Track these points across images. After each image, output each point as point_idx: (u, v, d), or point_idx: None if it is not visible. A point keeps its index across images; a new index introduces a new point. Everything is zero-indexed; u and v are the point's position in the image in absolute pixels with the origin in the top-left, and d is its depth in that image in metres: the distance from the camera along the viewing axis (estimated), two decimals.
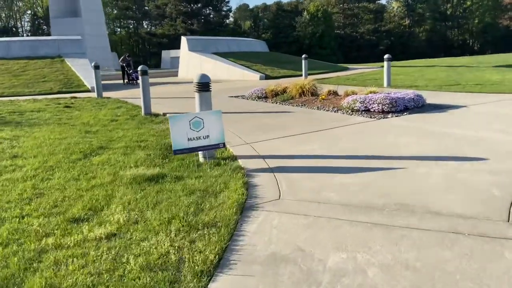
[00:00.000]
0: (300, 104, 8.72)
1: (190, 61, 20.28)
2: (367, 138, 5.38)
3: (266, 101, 9.67)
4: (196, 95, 4.62)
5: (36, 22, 62.37)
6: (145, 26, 69.52)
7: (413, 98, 7.58)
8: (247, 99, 10.28)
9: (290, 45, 62.39)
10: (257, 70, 18.38)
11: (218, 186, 3.64)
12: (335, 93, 9.18)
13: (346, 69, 24.50)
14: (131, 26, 69.13)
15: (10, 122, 7.44)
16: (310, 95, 9.44)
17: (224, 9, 68.29)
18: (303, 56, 15.48)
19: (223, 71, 18.63)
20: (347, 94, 8.57)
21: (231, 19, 71.29)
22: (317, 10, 61.94)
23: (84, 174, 4.17)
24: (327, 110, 7.83)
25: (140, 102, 8.22)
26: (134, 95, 11.82)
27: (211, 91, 4.69)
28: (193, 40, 20.86)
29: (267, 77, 17.51)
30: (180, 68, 21.14)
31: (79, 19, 27.17)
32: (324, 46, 61.11)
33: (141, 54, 63.78)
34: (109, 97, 11.27)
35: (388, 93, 7.81)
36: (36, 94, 12.47)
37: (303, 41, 61.81)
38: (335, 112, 7.62)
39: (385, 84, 12.18)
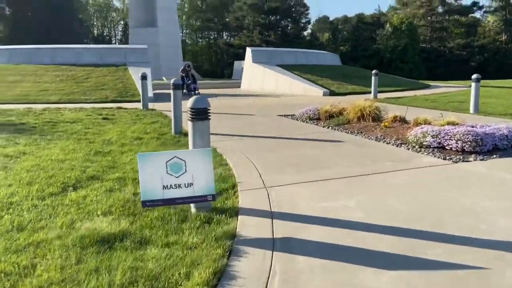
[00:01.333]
0: (355, 131, 7.21)
1: (253, 73, 19.45)
2: (432, 195, 3.81)
3: (317, 124, 8.28)
4: (189, 125, 3.48)
5: (127, 32, 66.94)
6: (224, 37, 71.16)
7: (506, 135, 5.71)
8: (297, 119, 8.96)
9: (369, 59, 59.48)
10: (322, 85, 16.93)
11: (179, 270, 2.43)
12: (402, 120, 7.51)
13: (428, 86, 21.96)
14: (211, 37, 71.21)
15: (35, 134, 6.98)
16: (371, 120, 7.87)
17: (303, 21, 67.49)
18: (373, 71, 13.75)
19: (285, 85, 17.48)
20: (417, 123, 6.88)
21: (309, 31, 70.16)
22: (401, 23, 58.34)
23: (34, 222, 3.23)
24: (387, 143, 6.24)
25: (173, 119, 7.34)
26: (185, 109, 11.12)
27: (209, 119, 3.51)
28: (257, 51, 20.02)
29: (332, 93, 15.98)
30: (243, 80, 20.41)
31: (155, 29, 27.92)
32: (407, 61, 57.26)
33: (218, 64, 65.24)
34: (154, 109, 10.67)
35: (473, 127, 6.02)
36: (91, 102, 12.38)
37: (384, 55, 58.54)
38: (397, 146, 6.02)
39: (471, 109, 10.09)
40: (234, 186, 4.15)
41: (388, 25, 59.52)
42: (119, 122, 8.61)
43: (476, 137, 5.50)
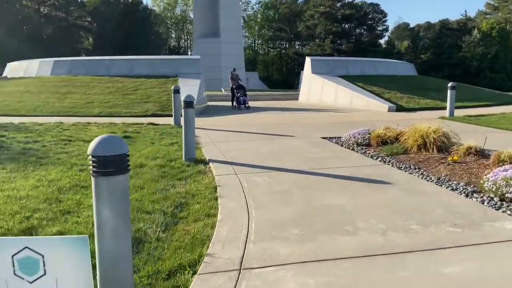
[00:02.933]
0: (412, 166, 5.46)
1: (312, 84, 17.88)
2: None
3: (364, 152, 6.60)
4: (92, 182, 2.19)
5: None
6: (296, 47, 70.04)
7: None
8: (342, 145, 7.34)
9: (453, 68, 54.50)
10: (388, 99, 14.87)
11: None
12: (479, 153, 5.59)
13: None
14: (282, 47, 70.58)
15: (33, 156, 6.26)
16: (435, 150, 6.03)
17: (380, 28, 64.14)
18: (450, 84, 11.51)
19: (345, 97, 15.68)
20: (499, 160, 4.96)
21: (386, 38, 66.35)
22: (492, 28, 52.62)
23: None
24: (452, 189, 4.45)
25: (184, 142, 6.19)
26: (219, 126, 10.04)
27: (126, 173, 2.20)
28: (317, 61, 18.41)
29: (400, 109, 13.89)
30: (301, 92, 18.92)
31: (218, 39, 27.61)
32: (497, 70, 51.39)
33: (289, 74, 64.15)
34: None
35: None
36: (131, 115, 11.83)
37: (470, 63, 53.19)
38: (466, 196, 4.22)
39: None
40: (198, 261, 2.82)
41: (476, 31, 54.15)
42: (138, 142, 7.72)
43: None
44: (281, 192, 4.43)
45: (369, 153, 6.54)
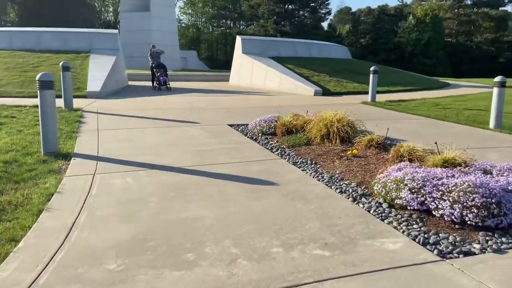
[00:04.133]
0: (309, 161, 4.79)
1: (242, 65, 16.99)
2: None
3: (267, 142, 5.87)
4: None
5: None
6: (241, 27, 68.41)
7: None
8: (246, 134, 6.55)
9: (389, 53, 56.15)
10: (316, 82, 14.37)
11: None
12: (379, 145, 5.03)
13: (447, 85, 19.09)
14: (226, 26, 68.66)
15: None
16: (338, 140, 5.42)
17: (323, 11, 64.23)
18: (372, 68, 11.13)
19: (274, 80, 14.99)
20: (398, 155, 4.41)
21: (329, 21, 66.68)
22: (425, 15, 54.55)
23: None
24: (341, 191, 3.80)
25: (41, 133, 5.05)
26: (120, 110, 8.87)
27: None
28: (248, 41, 17.48)
29: (326, 93, 13.44)
30: (232, 73, 17.96)
31: (147, 14, 25.70)
32: (430, 56, 53.59)
33: (233, 54, 62.65)
34: (79, 110, 8.42)
35: (486, 172, 3.55)
36: (22, 96, 10.24)
37: (405, 48, 55.01)
38: (353, 200, 3.58)
39: (491, 124, 7.50)
40: None
41: (411, 17, 55.94)
42: (4, 129, 6.42)
43: (488, 199, 3.03)
44: (135, 201, 3.53)
45: (272, 143, 5.81)
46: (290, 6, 61.52)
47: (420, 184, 3.33)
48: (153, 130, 6.69)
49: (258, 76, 15.88)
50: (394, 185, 3.44)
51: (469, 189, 3.11)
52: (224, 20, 68.07)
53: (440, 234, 2.94)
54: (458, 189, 3.15)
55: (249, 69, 16.54)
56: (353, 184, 3.95)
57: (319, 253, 2.64)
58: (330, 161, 4.75)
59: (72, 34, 15.40)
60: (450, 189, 3.19)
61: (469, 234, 2.96)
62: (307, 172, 4.41)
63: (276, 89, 14.60)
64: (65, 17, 40.70)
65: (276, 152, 5.29)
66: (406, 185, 3.37)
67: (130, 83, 16.09)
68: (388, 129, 5.44)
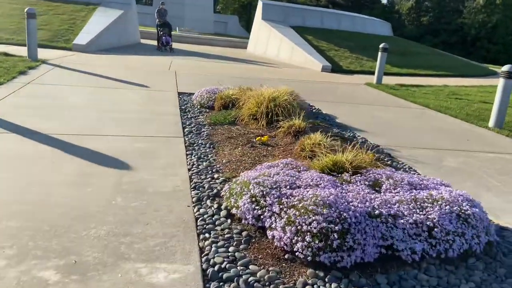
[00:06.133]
0: (211, 144, 4.00)
1: (260, 33, 15.93)
2: None
3: (197, 116, 5.11)
4: None
5: None
6: None
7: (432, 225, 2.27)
8: (186, 103, 5.82)
9: (450, 34, 51.92)
10: (330, 58, 13.12)
11: None
12: (299, 134, 4.10)
13: (493, 74, 16.98)
14: None
15: None
16: (265, 122, 4.56)
17: None
18: (381, 46, 9.79)
19: (286, 51, 13.90)
20: (302, 148, 3.51)
21: None
22: None
23: None
24: (195, 187, 3.01)
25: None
26: (91, 66, 8.40)
27: None
28: (269, 6, 16.25)
29: (337, 69, 12.23)
30: (249, 41, 16.95)
31: None
32: (495, 41, 48.87)
33: None
34: (42, 61, 8.01)
35: (351, 193, 2.61)
36: (9, 43, 10.05)
37: (469, 31, 50.51)
38: (193, 203, 2.79)
39: (491, 121, 6.24)
40: None
41: None
42: None
43: (332, 224, 2.14)
44: None
45: (198, 118, 5.05)
46: None
47: (265, 192, 2.49)
48: (86, 89, 6.12)
49: (273, 46, 14.84)
50: (239, 189, 2.62)
51: (311, 207, 2.24)
52: None
53: (249, 266, 2.12)
54: (300, 205, 2.29)
55: (265, 38, 15.50)
56: (221, 179, 3.15)
57: (48, 276, 1.94)
58: (232, 147, 3.93)
59: None
60: (293, 203, 2.34)
61: (292, 271, 2.12)
62: (190, 158, 3.64)
63: (287, 61, 13.55)
64: None
65: (187, 129, 4.53)
66: (250, 190, 2.54)
67: (146, 41, 15.62)
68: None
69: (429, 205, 2.38)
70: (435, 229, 2.23)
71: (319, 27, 17.11)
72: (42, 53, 8.74)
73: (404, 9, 61.91)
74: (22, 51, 8.40)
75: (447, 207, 2.34)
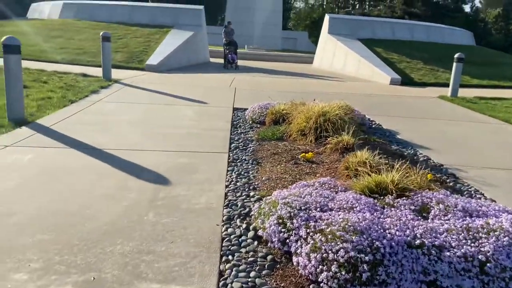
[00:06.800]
0: (255, 160, 3.90)
1: (326, 47, 15.66)
2: None
3: (247, 131, 5.06)
4: None
5: None
6: (365, 9, 64.32)
7: None
8: (238, 118, 5.81)
9: None
10: (400, 70, 12.44)
11: None
12: (349, 150, 3.82)
13: None
14: (349, 8, 65.35)
15: None
16: (313, 138, 4.36)
17: None
18: (457, 55, 9.02)
19: (353, 65, 13.46)
20: (346, 167, 3.25)
21: (474, 4, 58.26)
22: None
23: None
24: (227, 204, 2.91)
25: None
26: (153, 85, 8.85)
27: None
28: (336, 20, 15.93)
29: (407, 82, 11.53)
30: (316, 55, 16.73)
31: None
32: None
33: None
34: (115, 80, 8.58)
35: (390, 219, 2.31)
36: (90, 65, 10.95)
37: None
38: (222, 222, 2.68)
39: None
40: None
41: None
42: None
43: (363, 254, 1.90)
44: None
45: (249, 134, 4.99)
46: None
47: (293, 213, 2.30)
48: (147, 106, 6.39)
49: (338, 59, 14.50)
50: (267, 208, 2.47)
51: (339, 233, 2.01)
52: (351, 1, 64.73)
53: None
54: (328, 230, 2.07)
55: (331, 51, 15.21)
56: (256, 197, 3.02)
57: None
58: (275, 163, 3.78)
59: (160, 9, 16.06)
60: (320, 227, 2.12)
61: None
62: (230, 174, 3.56)
63: (353, 75, 13.12)
64: None
65: (234, 145, 4.48)
66: (277, 211, 2.37)
67: (216, 60, 16.13)
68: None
69: (483, 235, 2.02)
70: (488, 264, 1.88)
71: (390, 38, 16.41)
72: (117, 74, 9.40)
73: (490, 17, 57.40)
74: (100, 72, 9.09)
75: (506, 238, 1.97)
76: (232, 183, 3.34)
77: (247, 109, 6.24)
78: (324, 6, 67.82)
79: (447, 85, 11.51)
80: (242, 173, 3.58)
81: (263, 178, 3.42)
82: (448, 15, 52.14)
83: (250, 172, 3.61)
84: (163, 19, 15.41)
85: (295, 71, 14.07)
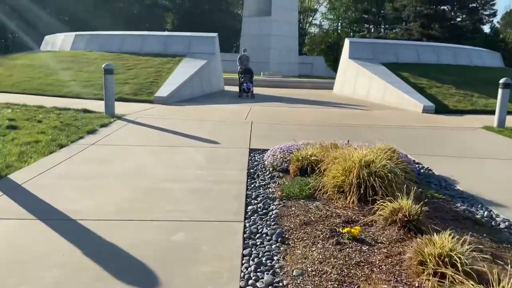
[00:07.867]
0: (279, 235, 2.84)
1: (347, 72, 14.66)
2: None
3: (266, 184, 4.02)
4: None
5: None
6: (382, 32, 63.76)
7: None
8: (256, 164, 4.78)
9: None
10: (432, 96, 11.31)
11: None
12: (412, 223, 2.72)
13: None
14: (365, 32, 64.95)
15: None
16: (355, 198, 3.28)
17: (486, 12, 55.07)
18: (502, 81, 7.89)
19: (378, 91, 12.39)
20: (417, 259, 2.15)
21: (492, 24, 56.92)
22: None
23: None
24: None
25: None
26: (167, 118, 7.96)
27: None
28: (357, 44, 14.98)
29: (442, 110, 10.39)
30: (336, 80, 15.73)
31: (268, 18, 25.05)
32: None
33: None
34: (118, 116, 7.71)
35: None
36: (97, 98, 10.18)
37: None
38: None
39: None
40: None
41: None
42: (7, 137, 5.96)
43: None
44: None
45: (268, 188, 3.95)
46: (442, 7, 54.49)
47: None
48: (148, 149, 5.44)
49: (361, 86, 13.47)
50: None
51: None
52: (366, 24, 64.31)
53: None
54: None
55: (353, 77, 14.21)
56: None
57: None
58: (309, 243, 2.71)
59: (172, 38, 15.45)
60: None
61: None
62: (246, 264, 2.51)
63: (379, 102, 12.05)
64: (210, 22, 43.40)
65: (251, 207, 3.44)
66: None
67: (231, 88, 15.30)
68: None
69: None
70: None
71: (415, 62, 15.34)
72: (122, 108, 8.58)
73: (510, 37, 56.00)
74: (103, 106, 8.28)
75: None
76: (249, 284, 2.27)
77: (266, 150, 5.21)
78: (339, 31, 67.54)
79: (485, 112, 10.38)
80: (264, 261, 2.52)
81: (294, 273, 2.35)
82: (467, 36, 50.90)
83: (275, 258, 2.55)
84: (176, 47, 14.75)
85: (315, 98, 13.07)
